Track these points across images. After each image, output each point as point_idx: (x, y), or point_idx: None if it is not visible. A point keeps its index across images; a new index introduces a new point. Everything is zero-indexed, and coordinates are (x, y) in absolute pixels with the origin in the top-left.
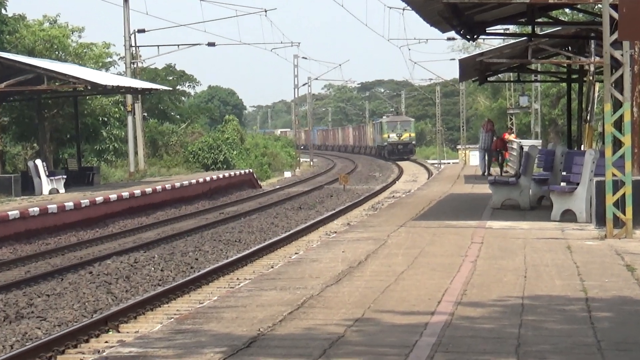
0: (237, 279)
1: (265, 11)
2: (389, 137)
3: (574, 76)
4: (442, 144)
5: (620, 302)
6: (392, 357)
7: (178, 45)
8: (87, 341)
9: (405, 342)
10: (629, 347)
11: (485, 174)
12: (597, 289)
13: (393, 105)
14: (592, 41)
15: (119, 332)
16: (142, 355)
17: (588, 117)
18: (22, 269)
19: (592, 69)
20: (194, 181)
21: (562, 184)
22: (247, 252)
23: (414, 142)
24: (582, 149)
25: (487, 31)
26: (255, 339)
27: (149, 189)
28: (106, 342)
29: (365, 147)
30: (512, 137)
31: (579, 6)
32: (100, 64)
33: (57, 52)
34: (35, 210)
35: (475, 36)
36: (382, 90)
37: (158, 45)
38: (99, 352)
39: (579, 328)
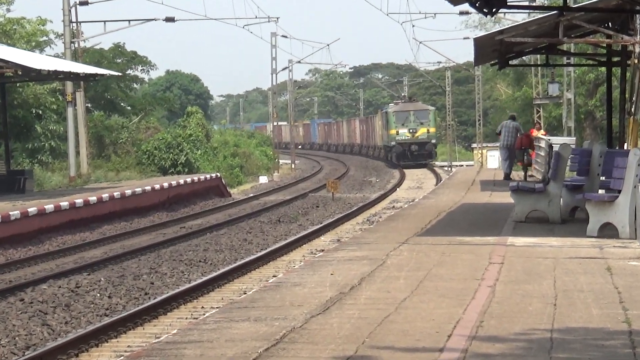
0: (202, 307)
1: None
2: (397, 133)
3: (616, 59)
4: (453, 142)
5: None
6: None
7: (129, 20)
8: None
9: None
10: None
11: (510, 177)
12: None
13: (397, 92)
14: (638, 16)
15: None
16: None
17: (632, 109)
18: None
19: (637, 50)
20: (148, 188)
21: (601, 191)
22: (214, 274)
23: (434, 141)
24: (625, 147)
25: (508, 3)
26: None
27: (93, 198)
28: None
29: (374, 147)
30: (540, 133)
31: None
32: (34, 43)
33: None
34: None
35: (494, 9)
36: (380, 76)
37: (104, 21)
38: None
39: None
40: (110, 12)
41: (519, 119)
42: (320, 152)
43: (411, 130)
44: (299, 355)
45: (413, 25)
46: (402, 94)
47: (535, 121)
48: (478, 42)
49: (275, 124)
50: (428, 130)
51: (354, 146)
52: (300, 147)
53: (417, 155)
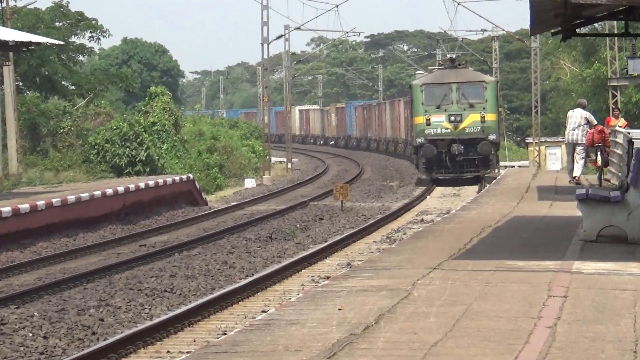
0: (168, 352)
1: None
2: (428, 123)
3: None
4: (502, 135)
5: None
6: None
7: None
8: None
9: None
10: None
11: (575, 180)
12: None
13: (435, 57)
14: None
15: None
16: None
17: None
18: None
19: None
20: (98, 193)
21: None
22: (183, 308)
23: (494, 137)
24: None
25: None
26: None
27: (25, 206)
28: None
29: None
30: (619, 124)
31: None
32: None
33: None
34: None
35: None
36: (406, 47)
37: None
38: None
39: None
40: None
41: (590, 105)
42: (325, 148)
43: (453, 119)
44: None
45: None
46: (440, 60)
47: (613, 108)
48: (536, 3)
49: (271, 108)
50: (483, 117)
51: (398, 143)
52: (332, 143)
53: (464, 162)
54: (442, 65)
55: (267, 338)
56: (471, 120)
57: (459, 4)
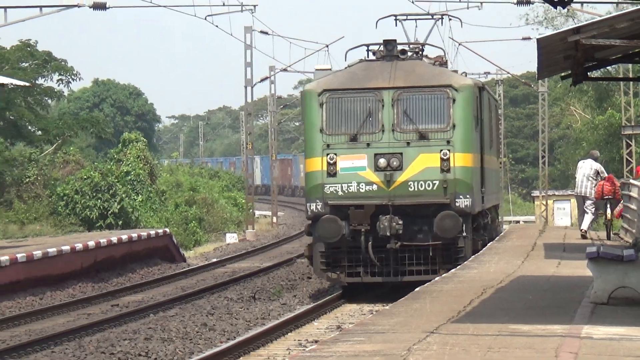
0: None
1: None
2: (333, 173)
3: None
4: (506, 187)
5: None
6: None
7: (41, 7)
8: None
9: None
10: None
11: (582, 233)
12: None
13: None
14: None
15: None
16: None
17: None
18: None
19: None
20: (67, 248)
21: None
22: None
23: (466, 202)
24: None
25: None
26: None
27: None
28: None
29: None
30: None
31: None
32: None
33: None
34: None
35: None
36: None
37: (5, 7)
38: None
39: None
40: None
41: (602, 156)
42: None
43: (384, 163)
44: None
45: (450, 19)
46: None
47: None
48: (543, 44)
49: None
50: (446, 159)
51: None
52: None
53: (404, 254)
54: (379, 52)
55: None
56: (421, 167)
57: (460, 44)
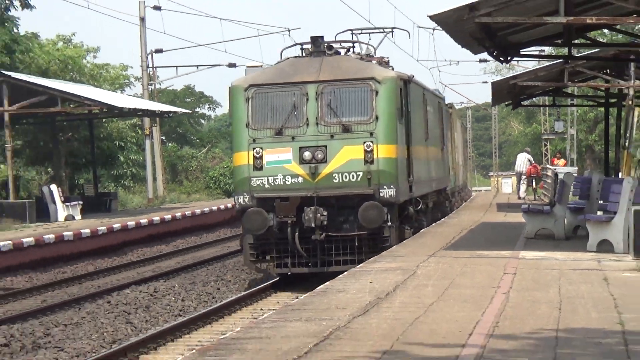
0: (261, 309)
1: (289, 30)
2: (259, 166)
3: (612, 100)
4: (473, 170)
5: None
6: None
7: (197, 66)
8: None
9: None
10: None
11: (519, 198)
12: (635, 322)
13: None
14: (632, 64)
15: None
16: None
17: (626, 144)
18: (38, 298)
19: (631, 92)
20: (215, 208)
21: (599, 213)
22: (270, 281)
23: (391, 192)
24: (620, 176)
25: (521, 53)
26: None
27: (168, 216)
28: None
29: None
30: (560, 163)
31: (618, 27)
32: (117, 85)
33: (71, 73)
34: (50, 237)
35: (508, 58)
36: None
37: (176, 66)
38: None
39: None
40: (181, 58)
41: (532, 151)
42: None
43: (309, 155)
44: (344, 350)
45: (439, 70)
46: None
47: (556, 152)
48: (495, 85)
49: None
50: (370, 151)
51: None
52: None
53: (331, 244)
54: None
55: (324, 300)
56: (345, 159)
57: (446, 85)
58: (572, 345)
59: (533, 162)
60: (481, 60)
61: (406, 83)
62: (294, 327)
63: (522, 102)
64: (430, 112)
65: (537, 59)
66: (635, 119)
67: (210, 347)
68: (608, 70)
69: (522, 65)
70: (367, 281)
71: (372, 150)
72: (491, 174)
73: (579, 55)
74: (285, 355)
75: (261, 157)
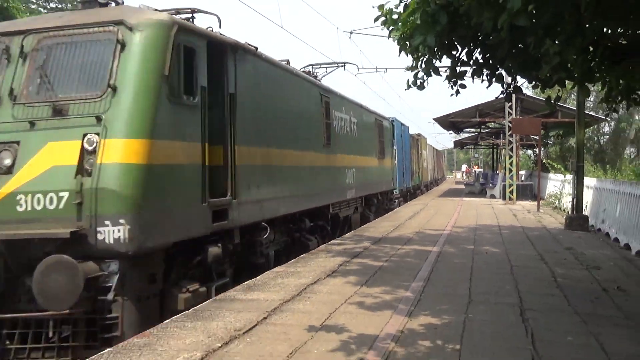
0: None
1: None
2: None
3: (495, 146)
4: (450, 169)
5: (510, 227)
6: (429, 243)
7: None
8: None
9: (435, 239)
10: (514, 239)
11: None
12: (502, 222)
13: None
14: (502, 133)
15: None
16: None
17: (500, 162)
18: None
19: (501, 144)
20: None
21: (490, 185)
22: None
23: (113, 226)
24: (497, 172)
25: (463, 130)
26: (380, 239)
27: None
28: None
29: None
30: (476, 169)
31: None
32: None
33: None
34: None
35: (460, 132)
36: None
37: None
38: None
39: (496, 235)
40: None
41: (466, 164)
42: None
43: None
44: (403, 231)
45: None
46: None
47: (474, 164)
48: (438, 120)
49: None
50: (92, 150)
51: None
52: None
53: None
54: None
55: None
56: (45, 166)
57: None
58: (481, 230)
59: (467, 167)
60: (450, 133)
61: (228, 48)
62: (385, 225)
63: (463, 147)
64: (353, 123)
65: (469, 132)
66: (503, 154)
67: None
68: (494, 136)
69: (467, 131)
70: (397, 213)
71: (94, 150)
72: (453, 171)
73: (483, 131)
74: (380, 233)
75: None
